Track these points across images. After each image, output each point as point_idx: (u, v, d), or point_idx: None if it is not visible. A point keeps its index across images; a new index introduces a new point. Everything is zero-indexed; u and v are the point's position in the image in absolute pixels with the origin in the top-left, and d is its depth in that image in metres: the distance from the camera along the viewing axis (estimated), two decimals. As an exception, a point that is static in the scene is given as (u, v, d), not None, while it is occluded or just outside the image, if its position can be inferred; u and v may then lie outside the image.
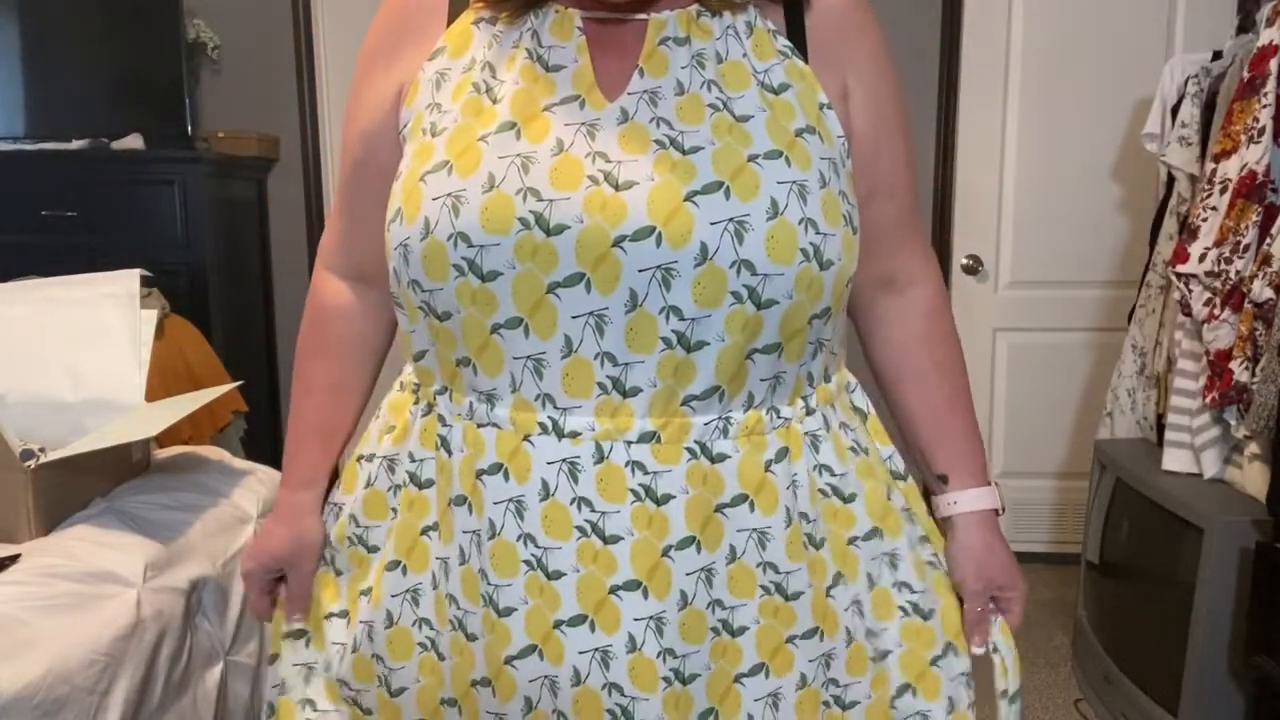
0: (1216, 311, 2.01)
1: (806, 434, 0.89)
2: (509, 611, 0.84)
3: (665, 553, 0.84)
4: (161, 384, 2.33)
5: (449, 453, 0.87)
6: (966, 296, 3.32)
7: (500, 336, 0.82)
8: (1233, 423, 2.02)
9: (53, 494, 1.46)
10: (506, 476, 0.84)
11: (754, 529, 0.86)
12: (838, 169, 0.85)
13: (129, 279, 1.77)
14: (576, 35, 0.84)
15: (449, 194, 0.80)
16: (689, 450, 0.84)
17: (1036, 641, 2.81)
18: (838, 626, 0.91)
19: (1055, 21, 3.16)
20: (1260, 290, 1.91)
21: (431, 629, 0.90)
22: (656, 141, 0.81)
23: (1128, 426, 2.55)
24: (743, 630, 0.87)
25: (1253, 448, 2.00)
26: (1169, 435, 2.20)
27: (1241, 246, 1.98)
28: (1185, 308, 2.12)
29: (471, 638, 0.87)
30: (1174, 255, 2.14)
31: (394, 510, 0.93)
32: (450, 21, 0.88)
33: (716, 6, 0.85)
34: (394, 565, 0.92)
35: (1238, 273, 1.98)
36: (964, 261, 3.29)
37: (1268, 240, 1.94)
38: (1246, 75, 2.02)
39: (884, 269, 0.95)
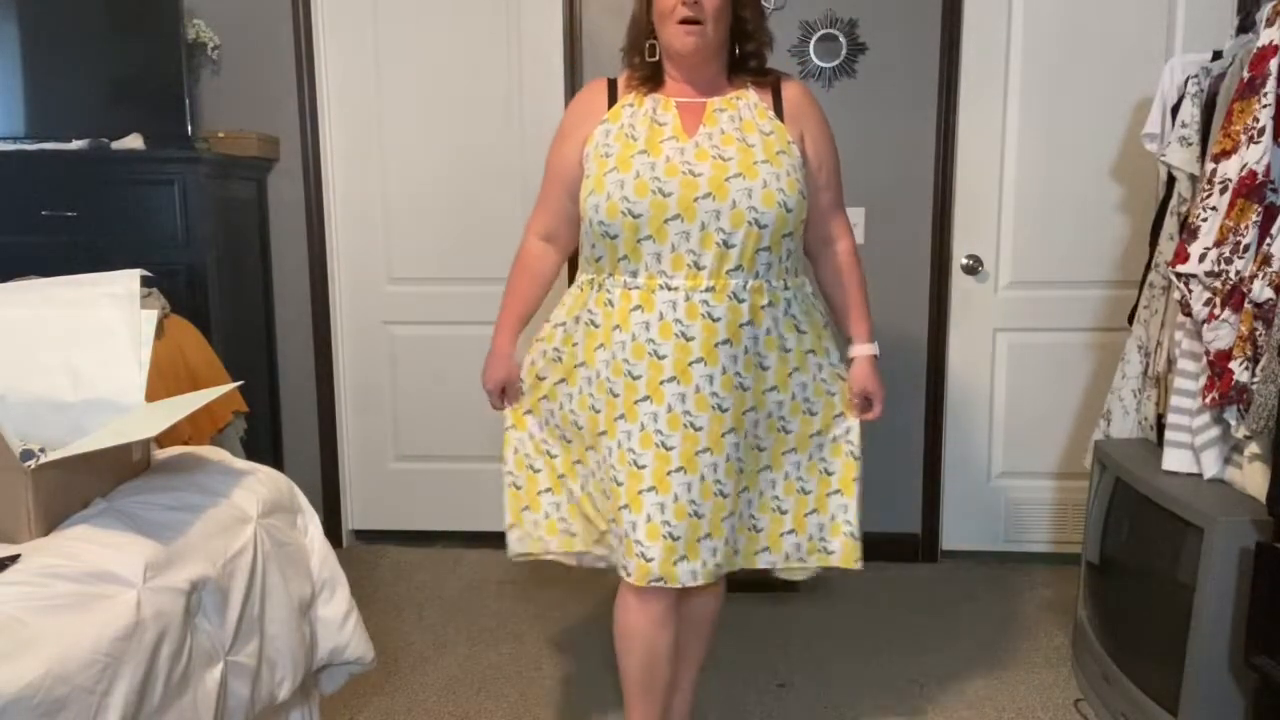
0: (1216, 311, 2.01)
1: (784, 298, 1.86)
2: (637, 378, 1.81)
3: (715, 345, 1.79)
4: (161, 384, 2.33)
5: (612, 305, 1.83)
6: (966, 296, 3.32)
7: (640, 244, 1.79)
8: (1233, 423, 2.02)
9: (53, 494, 1.46)
10: (643, 311, 1.81)
11: (754, 335, 1.83)
12: (796, 169, 1.84)
13: (129, 279, 1.77)
14: (673, 109, 1.84)
15: (618, 181, 1.78)
16: (728, 296, 1.79)
17: (1036, 641, 2.81)
18: (788, 389, 1.89)
19: (1055, 21, 3.16)
20: (1260, 290, 1.91)
21: (594, 397, 1.88)
22: (711, 156, 1.79)
23: (1130, 427, 2.54)
24: (748, 388, 1.84)
25: (1253, 448, 2.00)
26: (1169, 435, 2.20)
27: (1241, 246, 1.98)
28: (1185, 308, 2.12)
29: (615, 395, 1.84)
30: (1174, 255, 2.13)
31: (576, 341, 1.90)
32: (610, 106, 1.88)
33: (739, 96, 1.87)
34: (580, 365, 1.90)
35: (1238, 273, 1.98)
36: (964, 261, 3.28)
37: (1268, 240, 1.94)
38: (1246, 75, 2.02)
39: (823, 232, 1.98)
